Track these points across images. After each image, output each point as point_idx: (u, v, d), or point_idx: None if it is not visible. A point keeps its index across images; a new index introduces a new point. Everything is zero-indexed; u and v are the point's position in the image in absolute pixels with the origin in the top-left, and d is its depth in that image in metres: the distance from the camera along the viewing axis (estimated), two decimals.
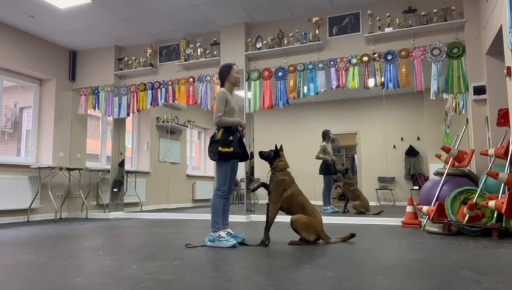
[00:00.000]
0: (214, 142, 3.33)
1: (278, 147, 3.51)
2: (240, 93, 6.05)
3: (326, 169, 6.95)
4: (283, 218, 3.49)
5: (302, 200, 3.36)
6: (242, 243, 3.28)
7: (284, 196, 3.32)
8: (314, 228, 3.23)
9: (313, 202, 3.52)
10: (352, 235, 3.39)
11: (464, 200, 3.85)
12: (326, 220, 5.07)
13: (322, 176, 6.98)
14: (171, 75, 6.54)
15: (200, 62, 6.28)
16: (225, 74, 3.52)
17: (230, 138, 3.29)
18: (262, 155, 3.54)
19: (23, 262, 2.62)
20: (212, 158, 3.34)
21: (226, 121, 3.32)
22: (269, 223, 3.31)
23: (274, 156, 3.46)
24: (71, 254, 2.92)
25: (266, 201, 3.44)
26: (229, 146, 3.25)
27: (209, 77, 6.22)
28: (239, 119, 3.42)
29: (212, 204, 3.32)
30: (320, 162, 7.03)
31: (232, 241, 3.17)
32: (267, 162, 3.56)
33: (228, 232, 3.34)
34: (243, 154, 3.44)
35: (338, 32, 5.61)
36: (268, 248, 3.11)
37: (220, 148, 3.25)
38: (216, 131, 3.38)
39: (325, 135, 7.18)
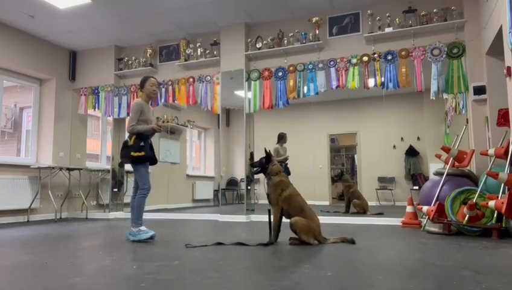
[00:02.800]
0: (126, 147, 3.70)
1: (267, 152, 3.51)
2: (239, 93, 6.05)
3: None
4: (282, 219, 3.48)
5: (300, 202, 3.34)
6: (242, 243, 3.28)
7: (283, 196, 3.30)
8: (313, 232, 3.22)
9: (312, 202, 3.52)
10: (353, 242, 3.30)
11: (464, 200, 3.85)
12: (327, 220, 5.09)
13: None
14: (171, 75, 6.54)
15: (200, 62, 6.28)
16: (141, 85, 3.97)
17: (142, 143, 3.66)
18: (254, 165, 3.55)
19: (23, 262, 2.62)
20: (125, 162, 3.76)
21: (139, 129, 3.68)
22: (276, 225, 3.32)
23: (266, 161, 3.46)
24: (71, 254, 2.92)
25: (266, 201, 3.44)
26: (140, 151, 3.63)
27: (209, 77, 6.22)
28: (151, 126, 3.74)
29: (137, 203, 3.65)
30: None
31: (151, 233, 3.54)
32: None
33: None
34: (153, 159, 3.79)
35: (338, 32, 5.60)
36: (268, 248, 3.11)
37: (132, 153, 3.61)
38: (128, 138, 3.73)
39: (281, 138, 7.12)
